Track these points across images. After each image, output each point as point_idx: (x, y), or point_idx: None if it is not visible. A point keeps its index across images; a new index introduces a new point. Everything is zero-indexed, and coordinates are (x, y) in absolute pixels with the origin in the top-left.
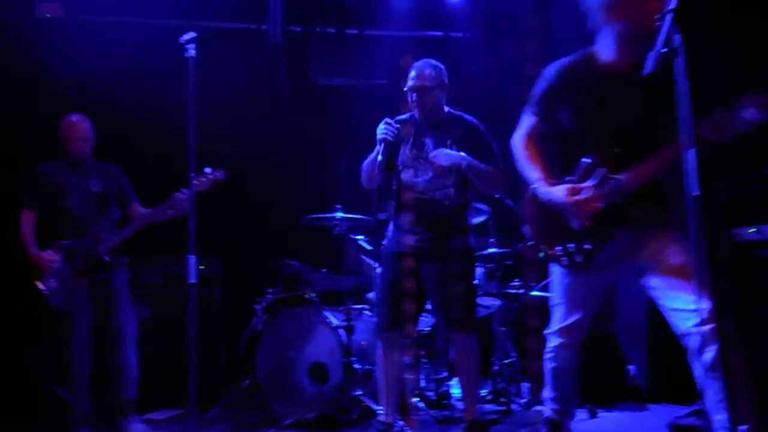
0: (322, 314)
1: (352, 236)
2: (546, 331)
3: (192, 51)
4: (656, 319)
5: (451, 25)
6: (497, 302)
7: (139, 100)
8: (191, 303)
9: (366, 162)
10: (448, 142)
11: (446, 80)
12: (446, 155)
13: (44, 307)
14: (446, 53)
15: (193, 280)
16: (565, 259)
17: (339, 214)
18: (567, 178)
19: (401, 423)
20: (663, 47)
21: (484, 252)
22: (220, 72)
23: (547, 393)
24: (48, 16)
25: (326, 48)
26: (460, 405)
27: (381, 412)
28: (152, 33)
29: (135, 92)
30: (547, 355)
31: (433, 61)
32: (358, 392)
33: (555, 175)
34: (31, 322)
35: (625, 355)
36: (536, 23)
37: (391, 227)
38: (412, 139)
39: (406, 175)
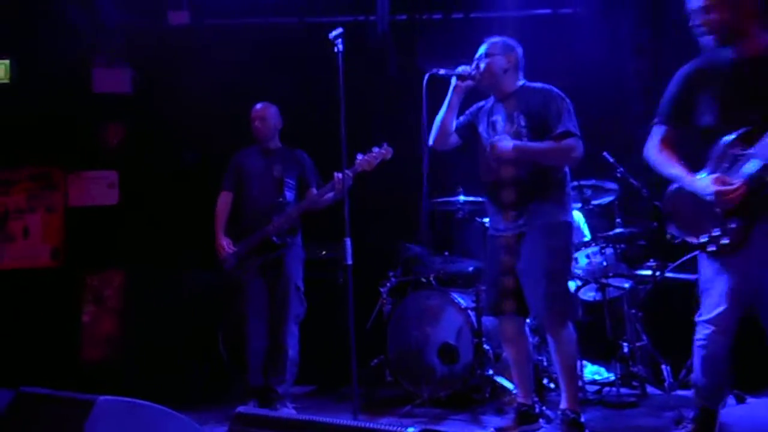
0: (451, 296)
1: (477, 219)
2: (697, 318)
3: (340, 46)
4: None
5: (560, 2)
6: (627, 283)
7: (266, 97)
8: (349, 284)
9: None
10: (515, 114)
11: (514, 53)
12: (496, 148)
13: (226, 283)
14: (556, 31)
15: (349, 261)
16: (712, 245)
17: (461, 198)
18: (704, 169)
19: (540, 405)
20: None
21: (611, 233)
22: (331, 65)
23: (697, 380)
24: (178, 23)
25: (433, 34)
26: (591, 388)
27: (517, 393)
28: (269, 31)
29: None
30: (699, 343)
31: (496, 37)
32: (489, 372)
33: (695, 171)
34: (195, 301)
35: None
36: None
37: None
38: (486, 118)
39: (485, 158)
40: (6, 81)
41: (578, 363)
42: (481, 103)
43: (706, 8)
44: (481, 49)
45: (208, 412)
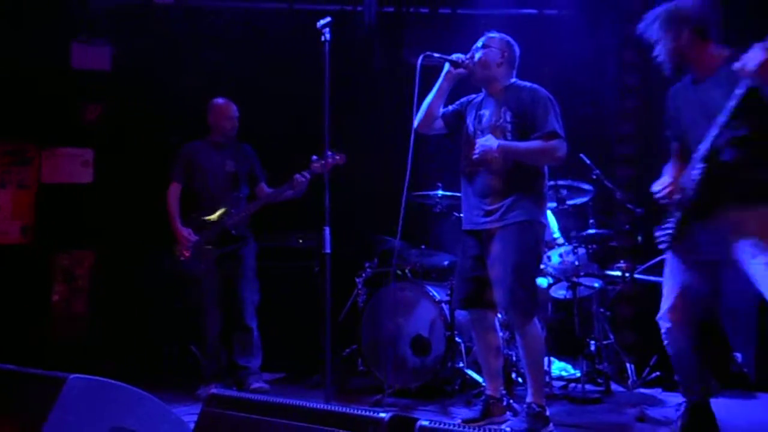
0: (426, 288)
1: (455, 214)
2: (657, 317)
3: (327, 35)
4: (765, 306)
5: (545, 2)
6: (597, 283)
7: (250, 83)
8: (327, 273)
9: None
10: (502, 110)
11: (510, 49)
12: (479, 147)
13: (181, 273)
14: (541, 31)
15: (327, 250)
16: (661, 237)
17: (440, 192)
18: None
19: (508, 399)
20: None
21: (584, 233)
22: (316, 53)
23: (676, 376)
24: (162, 2)
25: (419, 28)
26: (557, 383)
27: (486, 386)
28: (256, 16)
29: (245, 75)
30: (664, 342)
31: (494, 32)
32: (460, 364)
33: None
34: (166, 284)
35: (731, 342)
36: None
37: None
38: (475, 110)
39: (467, 149)
40: None
41: (546, 359)
42: (473, 96)
43: (657, 41)
44: (479, 41)
45: (178, 393)
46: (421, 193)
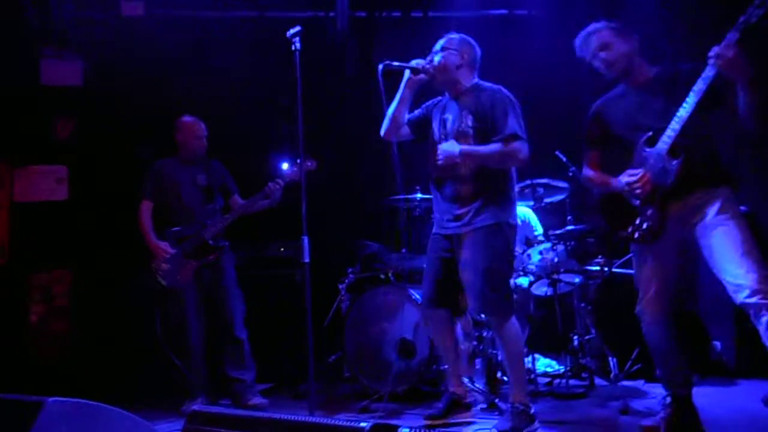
0: (408, 292)
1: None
2: (637, 311)
3: (298, 44)
4: None
5: (515, 3)
6: (577, 279)
7: (222, 92)
8: (306, 282)
9: None
10: (464, 113)
11: (470, 50)
12: (441, 153)
13: (161, 289)
14: (511, 32)
15: (306, 259)
16: (636, 233)
17: (419, 195)
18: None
19: (494, 397)
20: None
21: (562, 230)
22: (288, 61)
23: (657, 370)
24: (131, 15)
25: (392, 32)
26: (542, 380)
27: (449, 382)
28: (227, 25)
29: (217, 85)
30: (645, 335)
31: (454, 34)
32: (445, 366)
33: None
34: (148, 300)
35: (710, 331)
36: None
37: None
38: (439, 114)
39: (434, 154)
40: None
41: (531, 356)
42: (438, 99)
43: (598, 51)
44: (438, 44)
45: (160, 411)
46: (400, 197)
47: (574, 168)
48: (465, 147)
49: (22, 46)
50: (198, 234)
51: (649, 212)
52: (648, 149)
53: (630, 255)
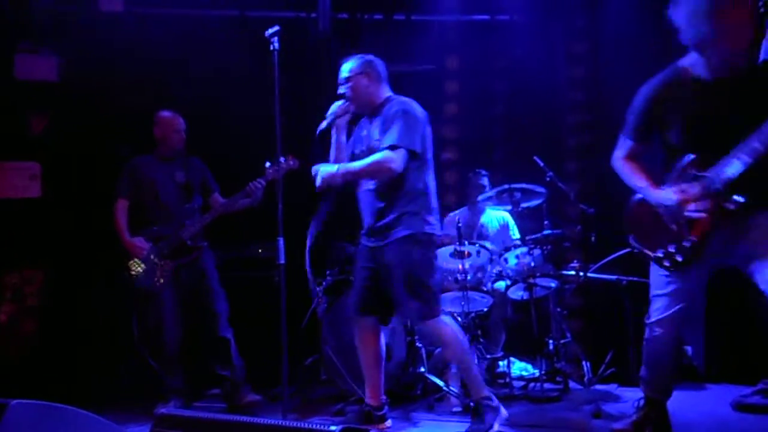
0: None
1: None
2: (646, 320)
3: (276, 44)
4: (713, 300)
5: (497, 8)
6: (553, 283)
7: (201, 92)
8: (282, 283)
9: None
10: (374, 127)
11: (371, 68)
12: (320, 178)
13: (136, 290)
14: (493, 37)
15: (281, 261)
16: (667, 261)
17: None
18: (665, 185)
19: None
20: None
21: (539, 234)
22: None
23: (642, 373)
24: (110, 10)
25: (374, 34)
26: (518, 383)
27: (366, 395)
28: (207, 24)
29: (197, 84)
30: (648, 343)
31: (350, 60)
32: (421, 369)
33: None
34: (122, 302)
35: (681, 335)
36: (583, 1)
37: None
38: (358, 131)
39: None
40: None
41: (507, 360)
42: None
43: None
44: (342, 73)
45: (129, 413)
46: None
47: (551, 173)
48: (342, 166)
49: None
50: (176, 234)
51: (687, 244)
52: (698, 171)
53: (605, 260)
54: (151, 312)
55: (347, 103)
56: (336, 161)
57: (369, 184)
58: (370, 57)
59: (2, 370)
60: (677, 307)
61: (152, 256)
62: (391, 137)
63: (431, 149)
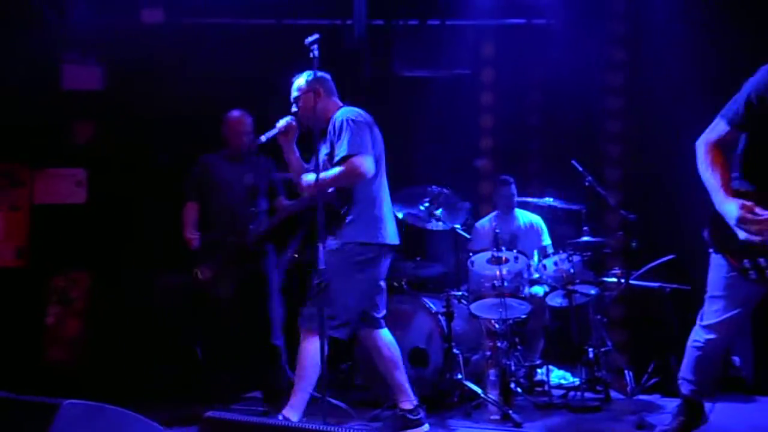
0: (422, 300)
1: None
2: (699, 322)
3: (316, 51)
4: (762, 310)
5: (534, 12)
6: (594, 290)
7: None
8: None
9: None
10: (326, 141)
11: (319, 83)
12: (304, 186)
13: (203, 293)
14: (529, 41)
15: (322, 266)
16: (752, 272)
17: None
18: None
19: (507, 408)
20: None
21: (578, 240)
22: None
23: (686, 374)
24: (151, 21)
25: (409, 40)
26: (557, 392)
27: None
28: (246, 32)
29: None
30: (696, 344)
31: (298, 77)
32: (459, 376)
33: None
34: (192, 307)
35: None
36: (623, 7)
37: None
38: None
39: None
40: None
41: (545, 368)
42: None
43: None
44: (293, 92)
45: (171, 414)
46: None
47: (590, 178)
48: (317, 177)
49: (43, 51)
50: (240, 239)
51: (762, 263)
52: None
53: (647, 267)
54: (212, 315)
55: (290, 121)
56: (297, 175)
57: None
58: (317, 72)
59: (49, 371)
60: (735, 311)
61: (216, 262)
62: (342, 149)
63: (383, 154)
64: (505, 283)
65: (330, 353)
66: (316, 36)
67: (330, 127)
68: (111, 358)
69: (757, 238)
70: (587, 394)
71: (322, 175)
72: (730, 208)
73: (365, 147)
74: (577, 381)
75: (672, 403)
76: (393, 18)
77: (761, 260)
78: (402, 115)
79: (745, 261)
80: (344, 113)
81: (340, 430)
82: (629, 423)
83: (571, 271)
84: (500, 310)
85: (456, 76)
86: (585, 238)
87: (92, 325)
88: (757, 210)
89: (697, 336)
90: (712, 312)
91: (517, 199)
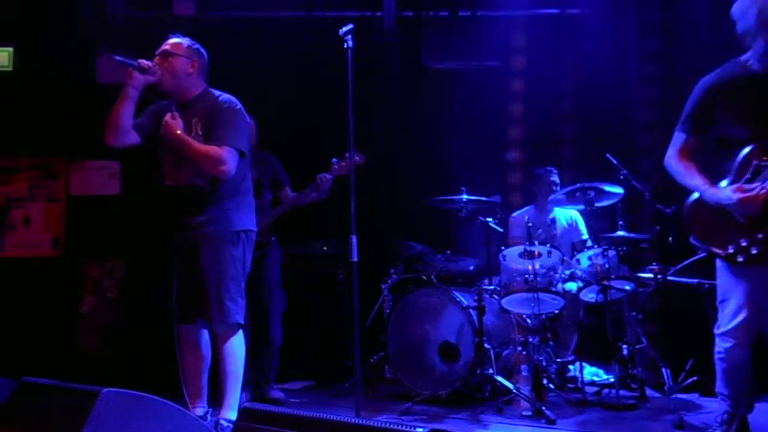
0: (453, 294)
1: (480, 218)
2: (715, 331)
3: (350, 42)
4: None
5: (567, 2)
6: (629, 286)
7: (271, 90)
8: (354, 282)
9: None
10: (193, 121)
11: (199, 58)
12: (167, 123)
13: None
14: (563, 31)
15: (354, 258)
16: (740, 255)
17: (465, 197)
18: (725, 178)
19: (540, 405)
20: None
21: (614, 235)
22: (335, 59)
23: (720, 389)
24: (183, 14)
25: (439, 32)
26: (590, 389)
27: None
28: (275, 24)
29: (267, 82)
30: (719, 356)
31: (179, 37)
32: (490, 371)
33: (714, 182)
34: None
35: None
36: None
37: None
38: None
39: (165, 164)
40: (9, 68)
41: (579, 364)
42: (163, 103)
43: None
44: (165, 45)
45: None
46: (445, 197)
47: (625, 171)
48: (184, 135)
49: (79, 45)
50: None
51: (761, 236)
52: (763, 160)
53: (687, 262)
54: None
55: (155, 67)
56: (115, 115)
57: (193, 178)
58: (198, 45)
59: (83, 359)
60: (744, 313)
61: None
62: (230, 138)
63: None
64: (538, 278)
65: (360, 348)
66: (350, 26)
67: (209, 105)
68: (141, 347)
69: (757, 212)
70: (622, 392)
71: (191, 141)
72: (725, 194)
73: (244, 144)
74: (610, 378)
75: (710, 403)
76: (423, 9)
77: (742, 241)
78: (432, 108)
79: (729, 246)
80: (234, 101)
81: (381, 424)
82: (667, 422)
83: (606, 266)
84: (532, 304)
85: (487, 68)
86: (620, 233)
87: (124, 314)
88: (747, 186)
89: (717, 347)
90: (723, 318)
91: (552, 197)
